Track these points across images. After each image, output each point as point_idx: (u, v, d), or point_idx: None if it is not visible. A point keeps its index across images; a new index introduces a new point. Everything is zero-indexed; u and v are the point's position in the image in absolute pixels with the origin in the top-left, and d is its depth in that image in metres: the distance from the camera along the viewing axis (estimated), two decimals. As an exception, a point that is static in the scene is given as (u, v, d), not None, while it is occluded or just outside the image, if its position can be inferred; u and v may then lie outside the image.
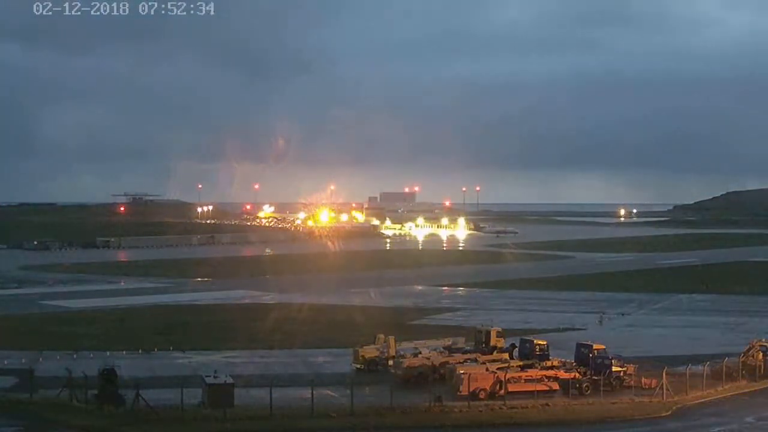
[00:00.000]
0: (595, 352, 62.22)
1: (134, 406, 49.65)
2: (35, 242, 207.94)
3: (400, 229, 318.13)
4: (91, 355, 68.34)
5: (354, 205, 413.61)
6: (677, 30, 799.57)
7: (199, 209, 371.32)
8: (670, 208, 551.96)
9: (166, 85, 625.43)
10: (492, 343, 67.59)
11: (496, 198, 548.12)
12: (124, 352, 70.91)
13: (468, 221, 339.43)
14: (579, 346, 64.87)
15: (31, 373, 56.18)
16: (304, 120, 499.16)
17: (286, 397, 54.11)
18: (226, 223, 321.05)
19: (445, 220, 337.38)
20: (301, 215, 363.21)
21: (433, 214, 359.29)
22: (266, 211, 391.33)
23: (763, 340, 67.98)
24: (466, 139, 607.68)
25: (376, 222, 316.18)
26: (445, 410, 52.75)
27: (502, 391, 55.38)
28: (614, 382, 59.09)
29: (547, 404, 54.84)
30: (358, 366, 65.18)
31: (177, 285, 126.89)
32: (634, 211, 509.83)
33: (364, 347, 66.36)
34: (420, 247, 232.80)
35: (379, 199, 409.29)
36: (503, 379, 56.05)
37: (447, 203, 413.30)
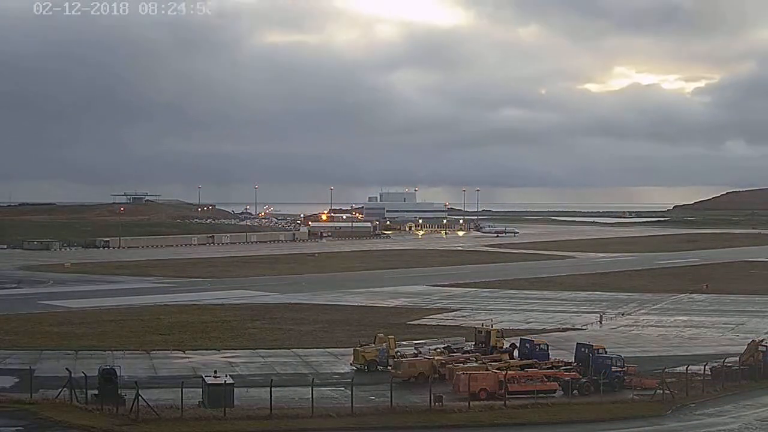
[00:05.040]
0: (596, 352, 62.31)
1: (134, 406, 49.58)
2: (35, 242, 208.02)
3: (400, 229, 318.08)
4: (91, 355, 68.46)
5: (353, 205, 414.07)
6: None
7: (199, 209, 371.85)
8: (671, 207, 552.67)
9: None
10: (492, 343, 67.62)
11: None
12: (124, 352, 70.92)
13: (467, 221, 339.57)
14: (579, 346, 64.95)
15: (31, 373, 56.17)
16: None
17: (286, 397, 54.15)
18: (225, 223, 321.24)
19: (444, 220, 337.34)
20: (302, 215, 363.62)
21: (433, 213, 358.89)
22: (265, 211, 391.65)
23: (764, 340, 67.97)
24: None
25: (376, 222, 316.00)
26: (445, 410, 52.72)
27: (502, 391, 55.34)
28: (614, 382, 59.08)
29: (547, 404, 54.82)
30: (358, 366, 65.15)
31: (177, 285, 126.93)
32: (633, 212, 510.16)
33: (364, 347, 66.31)
34: (419, 246, 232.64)
35: (379, 199, 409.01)
36: (503, 379, 56.02)
37: (446, 203, 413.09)
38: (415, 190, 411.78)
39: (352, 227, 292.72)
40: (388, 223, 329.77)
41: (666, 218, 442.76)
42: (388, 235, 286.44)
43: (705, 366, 61.31)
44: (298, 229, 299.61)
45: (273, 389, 51.83)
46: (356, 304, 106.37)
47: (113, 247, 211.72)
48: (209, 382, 52.80)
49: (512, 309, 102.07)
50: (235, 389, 52.71)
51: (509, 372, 57.64)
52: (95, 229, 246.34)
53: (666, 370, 59.74)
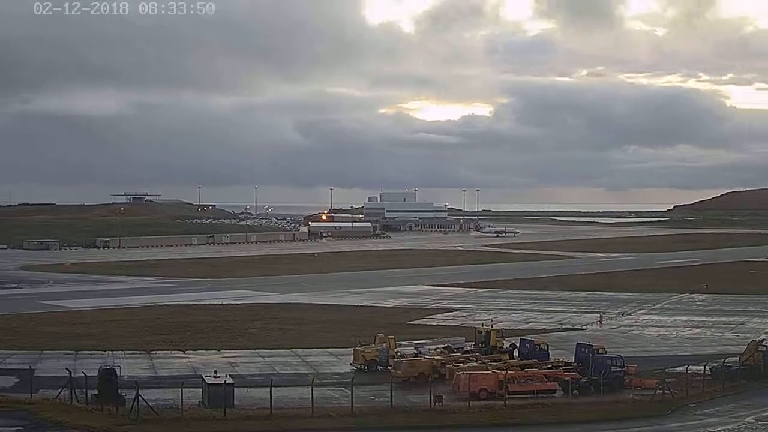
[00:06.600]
0: (596, 352, 62.31)
1: (134, 406, 49.59)
2: (35, 242, 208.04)
3: (401, 229, 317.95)
4: (91, 355, 68.46)
5: (352, 206, 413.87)
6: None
7: (199, 209, 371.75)
8: (671, 207, 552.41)
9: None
10: (492, 343, 67.58)
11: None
12: (124, 352, 70.92)
13: (467, 221, 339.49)
14: (579, 346, 64.96)
15: (31, 373, 56.17)
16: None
17: (286, 397, 54.17)
18: (225, 223, 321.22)
19: (444, 220, 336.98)
20: (302, 216, 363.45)
21: (433, 213, 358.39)
22: (265, 211, 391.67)
23: (764, 340, 67.97)
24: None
25: (376, 222, 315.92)
26: (445, 410, 52.72)
27: (502, 391, 55.34)
28: (614, 382, 59.06)
29: (547, 404, 54.80)
30: (358, 366, 65.15)
31: (177, 285, 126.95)
32: (633, 212, 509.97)
33: (364, 347, 66.30)
34: (419, 247, 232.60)
35: (379, 200, 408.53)
36: (503, 379, 56.01)
37: (446, 203, 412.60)
38: (415, 191, 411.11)
39: (352, 227, 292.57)
40: (387, 222, 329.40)
41: (666, 218, 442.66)
42: (388, 235, 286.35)
43: (705, 366, 61.31)
44: (298, 229, 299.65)
45: (273, 389, 51.85)
46: (356, 304, 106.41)
47: (113, 247, 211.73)
48: (209, 382, 52.83)
49: (512, 309, 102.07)
50: (235, 389, 52.73)
51: (509, 372, 57.65)
52: (95, 229, 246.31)
53: (666, 370, 59.75)
